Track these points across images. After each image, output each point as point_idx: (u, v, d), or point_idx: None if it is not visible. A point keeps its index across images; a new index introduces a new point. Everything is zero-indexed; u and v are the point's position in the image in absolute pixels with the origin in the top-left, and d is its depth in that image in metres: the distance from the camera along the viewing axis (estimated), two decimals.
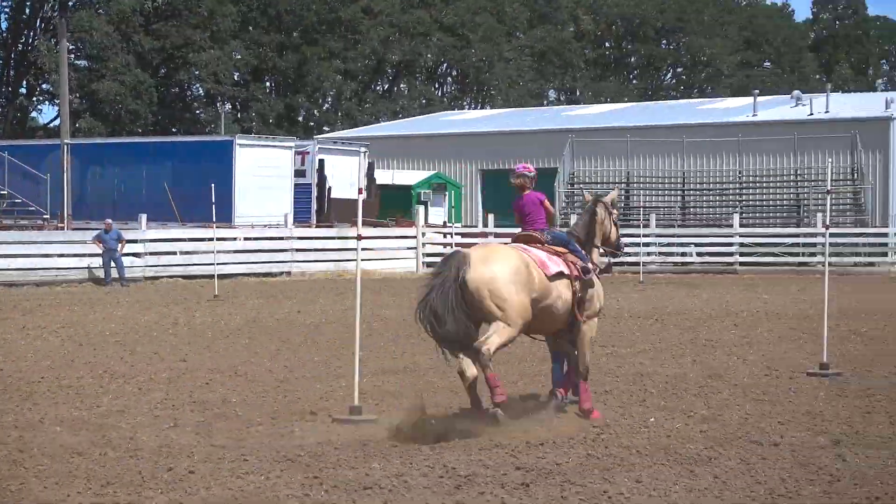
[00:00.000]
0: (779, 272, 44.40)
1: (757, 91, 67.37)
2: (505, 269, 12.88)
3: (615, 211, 15.13)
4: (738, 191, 54.49)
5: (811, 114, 56.19)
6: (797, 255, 46.46)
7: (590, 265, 14.01)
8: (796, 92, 63.03)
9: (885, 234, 46.64)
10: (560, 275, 13.45)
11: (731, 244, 46.72)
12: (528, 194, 14.36)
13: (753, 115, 57.77)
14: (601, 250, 14.71)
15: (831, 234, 44.57)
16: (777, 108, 60.29)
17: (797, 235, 47.44)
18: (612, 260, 15.62)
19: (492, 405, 12.63)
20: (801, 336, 22.23)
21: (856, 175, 51.94)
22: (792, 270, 44.69)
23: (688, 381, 16.42)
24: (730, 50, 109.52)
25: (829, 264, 44.03)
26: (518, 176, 14.50)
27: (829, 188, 19.32)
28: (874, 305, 29.54)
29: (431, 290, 12.80)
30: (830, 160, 21.57)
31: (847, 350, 19.98)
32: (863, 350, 20.19)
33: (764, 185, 54.71)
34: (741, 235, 47.00)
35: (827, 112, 56.30)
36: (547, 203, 14.38)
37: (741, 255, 46.38)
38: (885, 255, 46.16)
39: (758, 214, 53.29)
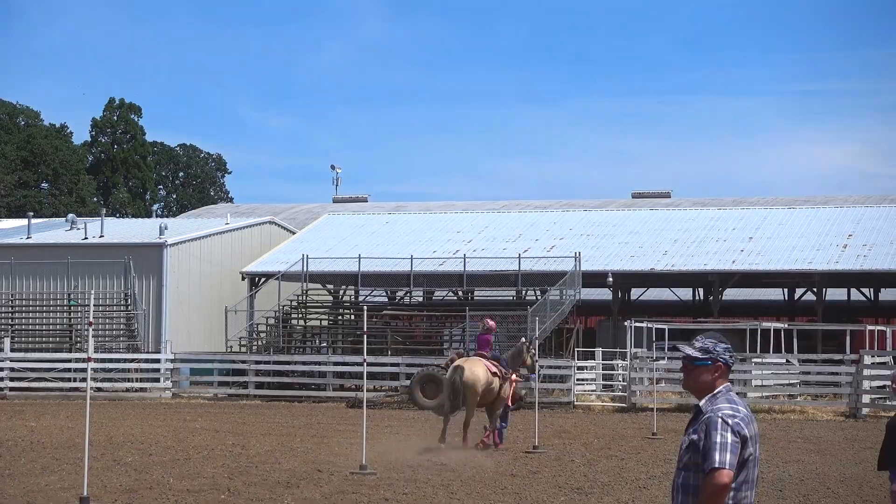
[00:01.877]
0: (50, 398, 43.75)
1: (31, 213, 66.60)
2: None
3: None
4: (10, 314, 53.20)
5: (86, 237, 56.01)
6: (69, 380, 45.95)
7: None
8: (71, 215, 62.70)
9: (158, 360, 47.06)
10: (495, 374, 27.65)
11: (1, 368, 45.53)
12: (486, 336, 29.59)
13: (28, 238, 56.81)
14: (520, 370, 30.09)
15: (103, 360, 45.05)
16: (52, 231, 59.64)
17: (69, 360, 46.85)
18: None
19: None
20: (65, 467, 21.89)
21: (129, 300, 52.29)
22: (63, 396, 44.16)
23: None
24: (7, 169, 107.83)
25: (102, 390, 44.40)
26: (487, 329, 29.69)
27: (90, 319, 19.18)
28: (140, 433, 29.68)
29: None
30: (93, 291, 21.40)
31: (110, 481, 19.85)
32: (126, 481, 20.10)
33: (37, 308, 53.80)
34: (12, 360, 45.92)
35: (102, 236, 56.19)
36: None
37: (11, 379, 45.28)
38: (158, 380, 46.62)
39: (31, 338, 52.34)
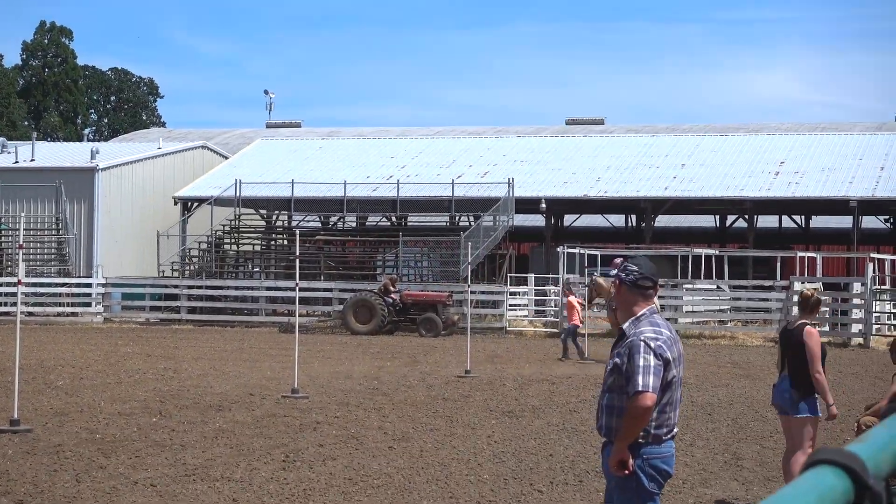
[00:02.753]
0: None
1: None
2: None
3: None
4: None
5: (17, 161, 55.45)
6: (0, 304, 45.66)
7: None
8: (1, 139, 62.08)
9: (89, 285, 46.84)
10: None
11: None
12: None
13: None
14: None
15: (34, 284, 44.74)
16: None
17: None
18: None
19: None
20: None
21: (60, 225, 51.91)
22: None
23: None
24: None
25: (33, 314, 44.17)
26: None
27: (20, 242, 19.04)
28: (72, 357, 29.56)
29: None
30: (23, 214, 21.19)
31: (41, 404, 19.78)
32: (57, 404, 20.03)
33: None
34: None
35: (33, 160, 55.67)
36: None
37: None
38: (90, 304, 46.41)
39: None
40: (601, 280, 30.79)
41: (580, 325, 32.41)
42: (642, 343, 7.74)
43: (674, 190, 51.68)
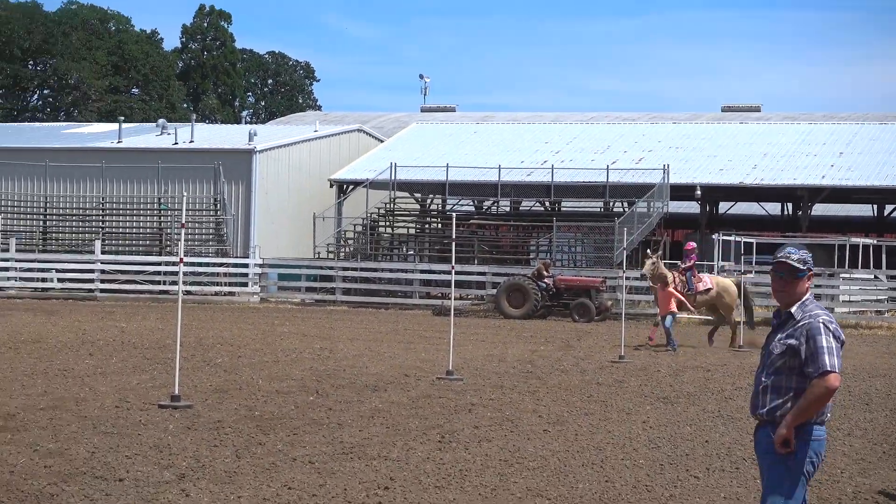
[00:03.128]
0: (140, 300, 44.47)
1: (122, 118, 67.20)
2: None
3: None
4: (101, 217, 53.86)
5: (176, 143, 56.50)
6: (158, 283, 46.58)
7: None
8: (161, 121, 63.19)
9: (246, 265, 47.60)
10: None
11: (92, 271, 46.24)
12: None
13: (118, 142, 57.35)
14: None
15: (192, 264, 45.52)
16: (143, 136, 60.15)
17: (159, 264, 47.40)
18: None
19: None
20: (156, 367, 22.20)
21: (218, 205, 52.76)
22: (153, 299, 44.86)
23: (37, 413, 16.01)
24: (97, 74, 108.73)
25: (191, 293, 44.97)
26: None
27: (183, 222, 19.32)
28: (230, 335, 30.05)
29: None
30: (186, 194, 21.47)
31: (200, 381, 20.11)
32: (216, 381, 20.36)
33: (128, 212, 54.41)
34: (103, 262, 46.62)
35: (192, 142, 56.68)
36: None
37: (102, 281, 46.00)
38: (246, 284, 47.19)
39: (121, 242, 53.03)
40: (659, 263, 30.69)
41: (677, 311, 30.93)
42: (822, 325, 7.79)
43: (831, 178, 50.75)
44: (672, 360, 27.15)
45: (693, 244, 33.08)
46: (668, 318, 29.56)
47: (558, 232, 49.85)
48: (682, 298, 30.38)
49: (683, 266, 31.55)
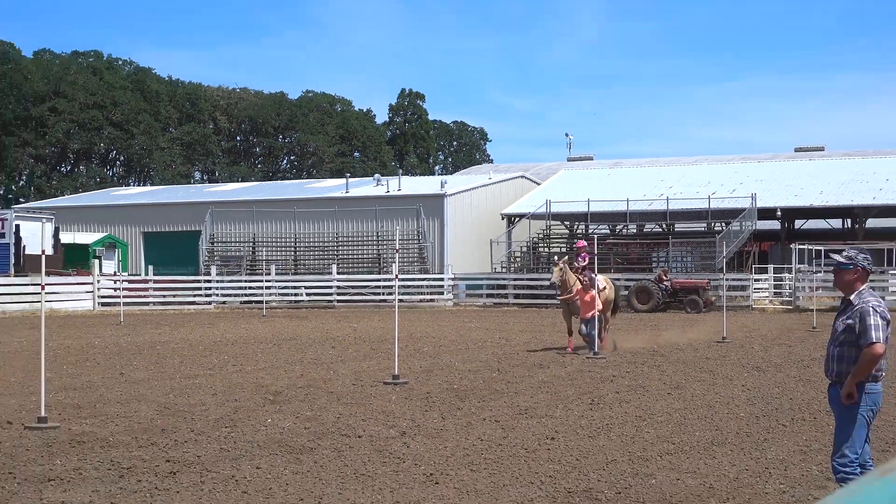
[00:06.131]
0: (365, 307, 45.05)
1: (348, 174, 68.33)
2: None
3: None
4: (335, 248, 54.89)
5: (388, 191, 57.31)
6: (379, 294, 47.18)
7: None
8: (377, 175, 64.35)
9: (442, 279, 47.98)
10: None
11: (330, 286, 47.08)
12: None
13: (346, 192, 58.41)
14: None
15: (403, 280, 46.10)
16: (363, 187, 61.10)
17: (378, 280, 48.08)
18: None
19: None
20: (380, 355, 22.50)
21: (420, 236, 53.36)
22: (374, 306, 45.37)
23: (297, 390, 16.47)
24: (329, 143, 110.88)
25: (402, 301, 45.50)
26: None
27: (396, 248, 19.82)
28: (432, 331, 30.31)
29: None
30: (397, 229, 21.90)
31: (413, 364, 20.38)
32: (424, 364, 20.64)
33: (355, 243, 55.34)
34: (338, 280, 47.45)
35: (399, 190, 57.44)
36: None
37: (338, 294, 46.81)
38: (442, 293, 47.54)
39: (351, 265, 53.90)
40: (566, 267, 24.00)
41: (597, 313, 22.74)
42: (871, 308, 7.85)
43: (881, 199, 49.46)
44: (763, 338, 26.59)
45: (584, 243, 25.93)
46: (589, 321, 22.46)
47: (673, 247, 49.22)
48: (599, 300, 22.83)
49: (579, 266, 24.30)
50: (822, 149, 72.13)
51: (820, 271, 40.91)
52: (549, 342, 26.16)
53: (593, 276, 23.07)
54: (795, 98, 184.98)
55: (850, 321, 7.92)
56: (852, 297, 8.02)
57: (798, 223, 60.81)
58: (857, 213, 52.22)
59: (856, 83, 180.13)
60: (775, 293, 44.41)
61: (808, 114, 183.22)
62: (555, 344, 25.36)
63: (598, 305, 22.74)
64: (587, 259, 24.04)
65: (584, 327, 22.68)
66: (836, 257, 8.21)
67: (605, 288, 23.73)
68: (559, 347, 23.96)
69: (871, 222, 55.02)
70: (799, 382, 17.45)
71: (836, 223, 61.14)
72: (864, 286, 8.05)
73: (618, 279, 44.06)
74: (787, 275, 43.66)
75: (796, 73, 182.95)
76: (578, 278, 23.40)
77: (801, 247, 43.15)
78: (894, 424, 12.95)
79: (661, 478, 10.01)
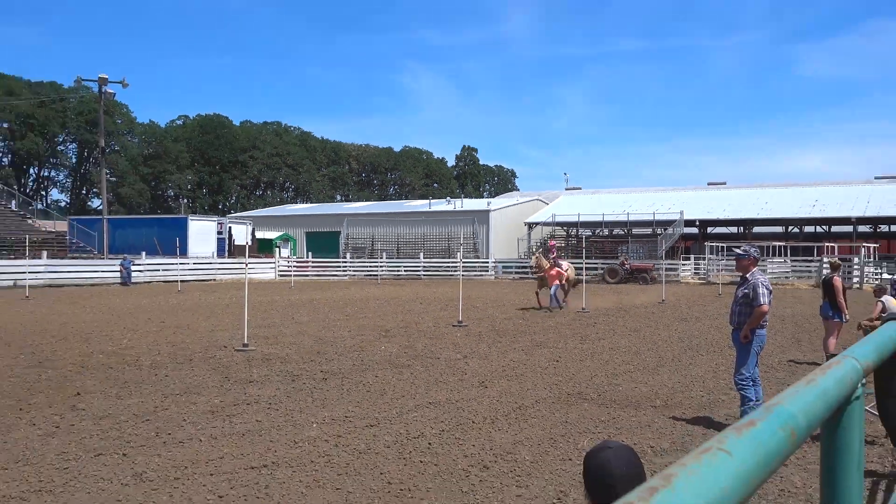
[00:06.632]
0: (441, 279, 44.36)
1: (430, 197, 68.11)
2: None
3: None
4: (422, 242, 54.76)
5: (455, 208, 57.08)
6: (451, 273, 46.75)
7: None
8: (448, 198, 64.16)
9: (487, 263, 47.45)
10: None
11: (419, 266, 46.61)
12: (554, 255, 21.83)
13: (429, 209, 58.18)
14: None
15: (464, 263, 45.51)
16: (440, 206, 60.98)
17: (448, 263, 47.35)
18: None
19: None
20: (450, 309, 21.93)
21: (474, 236, 53.10)
22: (446, 278, 44.44)
23: (399, 329, 16.15)
24: (419, 178, 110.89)
25: (463, 275, 44.86)
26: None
27: (461, 243, 19.65)
28: (479, 294, 29.44)
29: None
30: (461, 230, 21.70)
31: (470, 314, 19.83)
32: (477, 315, 20.10)
33: (434, 240, 55.08)
34: (424, 262, 47.03)
35: (462, 207, 57.25)
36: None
37: (424, 271, 46.34)
38: (487, 270, 47.06)
39: (431, 253, 53.50)
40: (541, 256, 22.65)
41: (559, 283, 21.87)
42: (760, 282, 7.56)
43: (763, 214, 47.71)
44: (687, 300, 25.88)
45: (554, 242, 24.80)
46: (555, 287, 21.55)
47: (631, 243, 48.34)
48: (564, 275, 21.84)
49: (552, 256, 22.45)
50: (724, 183, 70.20)
51: (723, 259, 39.87)
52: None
53: (560, 262, 22.35)
54: (709, 151, 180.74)
55: (746, 291, 7.64)
56: (748, 276, 7.73)
57: (710, 229, 59.43)
58: (747, 223, 50.57)
59: (746, 143, 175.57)
60: (695, 273, 43.40)
61: (715, 161, 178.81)
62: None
63: (564, 278, 21.80)
64: (555, 252, 23.30)
65: (551, 290, 21.57)
66: (737, 250, 7.92)
67: (567, 269, 22.70)
68: (544, 308, 23.65)
69: (757, 228, 53.64)
70: (711, 329, 16.98)
71: (733, 229, 59.65)
72: (755, 268, 7.76)
73: (595, 263, 43.46)
74: (702, 262, 42.61)
75: (709, 137, 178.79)
76: (549, 263, 22.44)
77: (711, 244, 42.12)
78: (772, 356, 12.55)
79: (625, 386, 9.79)
